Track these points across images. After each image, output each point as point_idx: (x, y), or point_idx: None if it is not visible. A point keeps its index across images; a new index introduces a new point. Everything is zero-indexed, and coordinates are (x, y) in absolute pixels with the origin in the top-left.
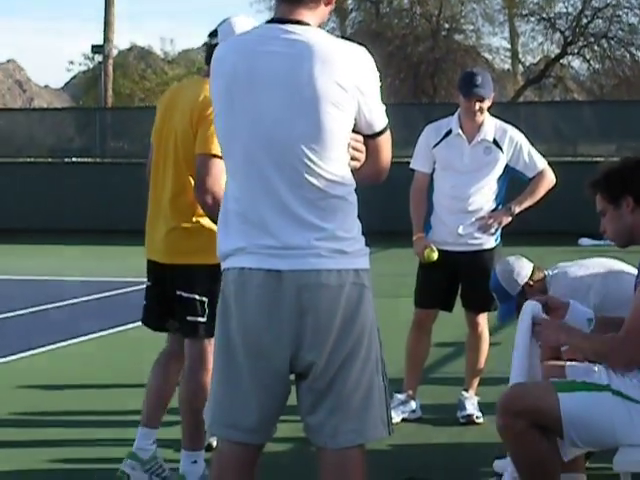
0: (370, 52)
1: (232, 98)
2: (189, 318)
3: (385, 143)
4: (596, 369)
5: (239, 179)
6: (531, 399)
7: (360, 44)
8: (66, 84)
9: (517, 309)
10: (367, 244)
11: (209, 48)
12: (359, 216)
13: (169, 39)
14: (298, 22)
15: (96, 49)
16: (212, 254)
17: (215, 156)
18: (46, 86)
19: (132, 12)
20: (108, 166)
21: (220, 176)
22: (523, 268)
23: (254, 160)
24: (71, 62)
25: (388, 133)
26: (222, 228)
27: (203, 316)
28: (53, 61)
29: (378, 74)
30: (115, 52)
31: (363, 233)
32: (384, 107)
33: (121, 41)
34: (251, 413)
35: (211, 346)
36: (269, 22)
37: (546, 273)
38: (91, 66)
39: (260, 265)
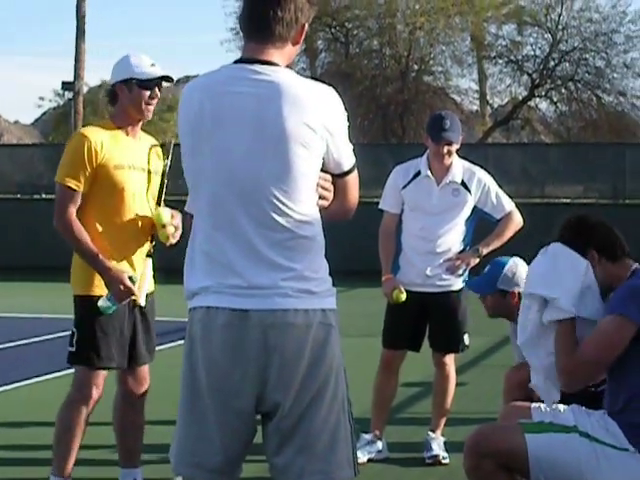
0: (339, 92)
1: (199, 138)
2: (68, 348)
3: (353, 182)
4: (562, 410)
5: (206, 218)
6: (498, 440)
7: (329, 84)
8: (36, 120)
9: (484, 299)
10: (335, 283)
11: (108, 91)
12: (328, 255)
13: None
14: (266, 62)
15: (66, 86)
16: (83, 285)
17: (64, 186)
18: (16, 122)
19: (103, 48)
20: None
21: (68, 205)
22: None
23: (221, 200)
24: (41, 98)
25: (356, 172)
26: (189, 266)
27: (72, 346)
28: (23, 97)
29: (346, 114)
30: (85, 89)
31: (331, 272)
32: (352, 147)
33: (92, 77)
34: (216, 453)
35: (86, 376)
36: (237, 62)
37: None
38: (61, 103)
39: (226, 304)
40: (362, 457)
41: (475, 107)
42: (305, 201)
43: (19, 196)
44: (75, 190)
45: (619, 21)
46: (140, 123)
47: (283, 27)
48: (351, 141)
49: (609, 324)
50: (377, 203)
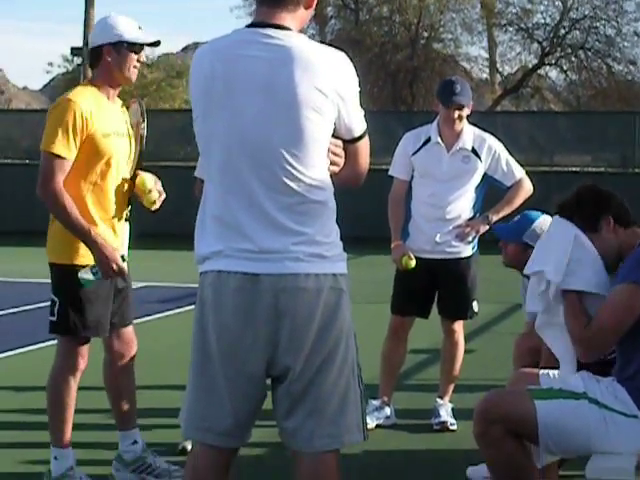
0: (349, 59)
1: (211, 101)
2: (49, 317)
3: (364, 148)
4: (572, 378)
5: (217, 182)
6: (507, 406)
7: (342, 50)
8: (45, 86)
9: (506, 252)
10: (346, 249)
11: (91, 52)
12: (338, 221)
13: None
14: (279, 26)
15: (75, 51)
16: (68, 254)
17: (52, 154)
18: (25, 88)
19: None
20: None
21: (56, 174)
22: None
23: (232, 164)
24: (50, 64)
25: (367, 138)
26: (200, 231)
27: (54, 315)
28: (32, 63)
29: (358, 80)
30: None
31: (342, 238)
32: (363, 112)
33: None
34: (226, 417)
35: (71, 346)
36: (249, 26)
37: None
38: (70, 68)
39: (237, 268)
40: (370, 423)
41: (485, 75)
42: (316, 166)
43: (27, 161)
44: (64, 158)
45: None
46: (119, 87)
47: None
48: (361, 108)
49: (622, 293)
50: (387, 170)
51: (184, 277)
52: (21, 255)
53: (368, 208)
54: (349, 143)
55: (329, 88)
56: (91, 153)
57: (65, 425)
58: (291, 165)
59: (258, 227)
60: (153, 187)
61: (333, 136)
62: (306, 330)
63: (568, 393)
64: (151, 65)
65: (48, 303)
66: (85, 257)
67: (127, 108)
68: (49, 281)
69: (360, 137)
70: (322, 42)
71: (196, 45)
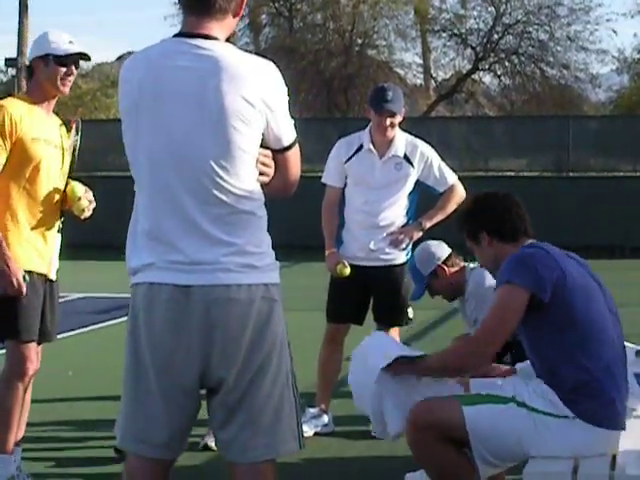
0: (283, 67)
1: (138, 112)
2: None
3: (294, 157)
4: (500, 382)
5: (145, 195)
6: (437, 414)
7: (270, 59)
8: None
9: (429, 290)
10: (279, 258)
11: (27, 67)
12: (271, 230)
13: None
14: (207, 36)
15: (9, 62)
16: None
17: None
18: None
19: (47, 25)
20: None
21: None
22: (439, 251)
23: (160, 176)
24: None
25: (297, 147)
26: (131, 244)
27: None
28: None
29: (286, 89)
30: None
31: (275, 247)
32: (292, 121)
33: None
34: (161, 429)
35: (19, 350)
36: (176, 36)
37: (466, 265)
38: (4, 80)
39: (168, 280)
40: (308, 431)
41: (419, 81)
42: (245, 176)
43: None
44: None
45: None
46: (54, 100)
47: (223, 0)
48: (294, 116)
49: (499, 295)
50: (321, 177)
51: (121, 287)
52: None
53: (302, 216)
54: (278, 153)
55: (256, 98)
56: (21, 157)
57: (10, 432)
58: (219, 176)
59: (188, 239)
60: (83, 195)
61: (262, 146)
62: (238, 341)
63: (496, 398)
64: (86, 75)
65: None
66: (17, 262)
67: (70, 128)
68: None
69: (289, 147)
70: (256, 50)
71: (130, 54)
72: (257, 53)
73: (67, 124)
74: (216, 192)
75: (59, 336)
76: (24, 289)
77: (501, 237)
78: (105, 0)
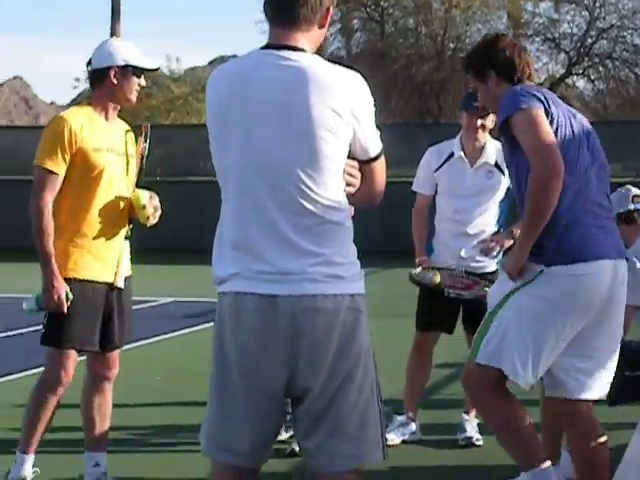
0: (375, 72)
1: (227, 122)
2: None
3: (380, 168)
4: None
5: (233, 203)
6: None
7: (357, 70)
8: (72, 101)
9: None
10: (369, 263)
11: (90, 75)
12: (361, 234)
13: (175, 57)
14: (293, 48)
15: None
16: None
17: (41, 168)
18: (52, 103)
19: (138, 29)
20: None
21: (43, 189)
22: None
23: (247, 185)
24: (77, 79)
25: (383, 158)
26: (217, 254)
27: (43, 326)
28: (59, 78)
29: (373, 99)
30: None
31: (365, 252)
32: (378, 132)
33: None
34: (245, 437)
35: (54, 357)
36: (264, 47)
37: None
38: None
39: (255, 290)
40: (396, 439)
41: None
42: (332, 187)
43: None
44: (55, 173)
45: None
46: (118, 108)
47: (308, 11)
48: (384, 121)
49: (523, 122)
50: (412, 183)
51: (209, 291)
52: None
53: (393, 220)
54: (365, 164)
55: (344, 109)
56: (82, 167)
57: (34, 433)
58: (307, 186)
59: (275, 249)
60: (147, 203)
61: (348, 157)
62: (325, 350)
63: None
64: (177, 79)
65: None
66: (74, 270)
67: (140, 134)
68: None
69: (376, 157)
70: (348, 55)
71: (222, 59)
72: (343, 65)
73: (136, 130)
74: (303, 202)
75: (148, 341)
76: (64, 308)
77: (509, 78)
78: (197, 4)
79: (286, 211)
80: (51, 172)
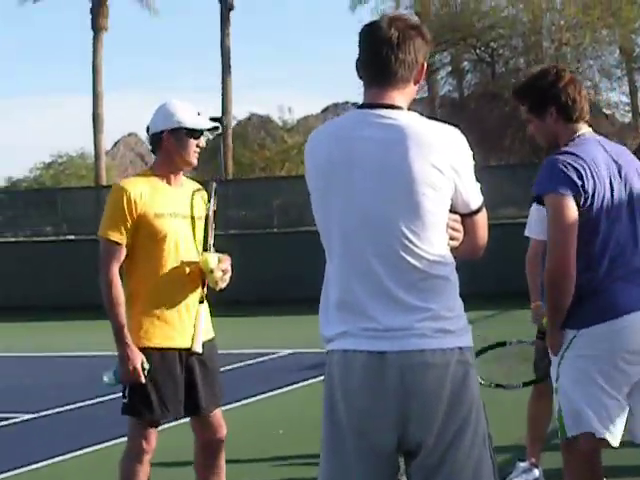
0: (487, 113)
1: (328, 182)
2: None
3: (482, 221)
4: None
5: (337, 262)
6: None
7: (454, 125)
8: None
9: None
10: (488, 307)
11: (149, 140)
12: (479, 279)
13: (287, 107)
14: (390, 106)
15: (214, 121)
16: (133, 336)
17: (105, 239)
18: None
19: (251, 80)
20: (229, 237)
21: (109, 260)
22: None
23: (352, 244)
24: None
25: (484, 211)
26: (323, 312)
27: (124, 397)
28: None
29: (471, 153)
30: (234, 122)
31: (484, 294)
32: (479, 185)
33: (239, 110)
34: None
35: (135, 428)
36: (360, 107)
37: None
38: (210, 137)
39: (363, 347)
40: None
41: (627, 119)
42: (436, 241)
43: None
44: (117, 243)
45: None
46: (182, 171)
47: (405, 69)
48: (496, 164)
49: (552, 208)
50: (525, 224)
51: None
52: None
53: (511, 262)
54: (467, 217)
55: (445, 164)
56: (146, 234)
57: None
58: (411, 242)
59: (381, 307)
60: (215, 267)
61: (450, 211)
62: (436, 406)
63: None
64: (291, 129)
65: None
66: (146, 339)
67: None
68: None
69: (477, 210)
70: (460, 97)
71: (336, 106)
72: (460, 100)
73: (207, 188)
74: (408, 258)
75: (270, 394)
76: (142, 379)
77: (568, 117)
78: (308, 53)
79: (390, 268)
80: (114, 242)
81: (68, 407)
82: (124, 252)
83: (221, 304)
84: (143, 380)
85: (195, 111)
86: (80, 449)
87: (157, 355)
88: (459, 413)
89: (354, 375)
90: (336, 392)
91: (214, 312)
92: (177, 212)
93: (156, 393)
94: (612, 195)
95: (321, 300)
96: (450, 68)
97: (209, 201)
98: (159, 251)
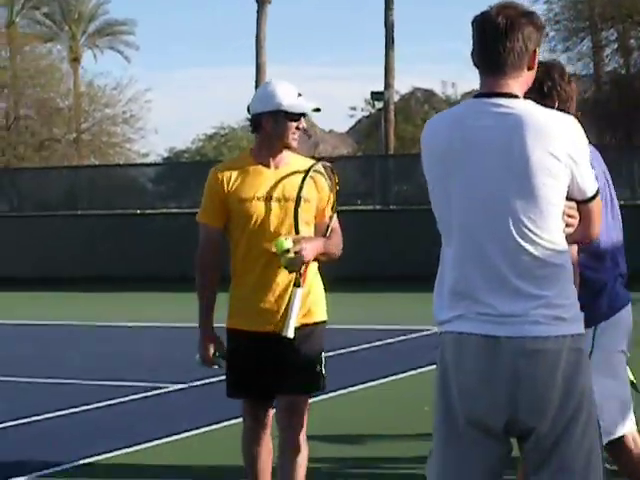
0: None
1: (447, 169)
2: None
3: (597, 208)
4: None
5: (454, 247)
6: None
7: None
8: (351, 128)
9: None
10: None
11: (250, 121)
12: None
13: (450, 82)
14: (506, 94)
15: (376, 96)
16: (227, 318)
17: (200, 222)
18: (330, 131)
19: (414, 55)
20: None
21: (202, 243)
22: None
23: (469, 230)
24: (353, 108)
25: (599, 198)
26: (437, 296)
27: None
28: (335, 106)
29: (587, 141)
30: (396, 97)
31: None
32: (593, 172)
33: (401, 84)
34: (471, 475)
35: (243, 407)
36: (476, 96)
37: None
38: (372, 111)
39: (477, 331)
40: None
41: None
42: (553, 229)
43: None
44: (208, 225)
45: None
46: (283, 152)
47: (515, 57)
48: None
49: None
50: None
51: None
52: None
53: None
54: (582, 204)
55: (562, 152)
56: (235, 217)
57: None
58: (529, 230)
59: (495, 292)
60: (291, 248)
61: (566, 198)
62: (548, 392)
63: None
64: (454, 104)
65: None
66: (238, 322)
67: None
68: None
69: (593, 197)
70: (627, 72)
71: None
72: (627, 76)
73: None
74: (526, 245)
75: (414, 372)
76: (211, 364)
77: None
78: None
79: (508, 255)
80: (207, 225)
81: (217, 378)
82: (216, 234)
83: (372, 279)
84: (214, 366)
85: (296, 92)
86: (227, 420)
87: (245, 337)
88: (572, 400)
89: (467, 357)
90: (449, 375)
91: (363, 287)
92: (270, 195)
93: (236, 374)
94: (610, 192)
95: (436, 284)
96: (616, 45)
97: (304, 179)
98: (247, 234)
